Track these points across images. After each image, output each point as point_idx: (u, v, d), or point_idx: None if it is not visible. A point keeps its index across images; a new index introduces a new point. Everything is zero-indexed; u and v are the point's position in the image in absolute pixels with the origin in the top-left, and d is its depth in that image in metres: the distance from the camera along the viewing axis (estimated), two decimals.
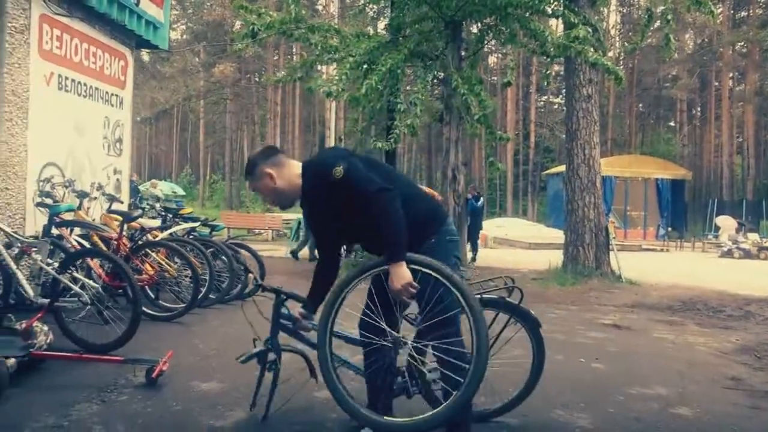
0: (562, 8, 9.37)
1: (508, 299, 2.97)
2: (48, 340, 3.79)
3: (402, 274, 2.49)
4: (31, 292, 4.37)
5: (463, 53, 10.83)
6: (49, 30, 6.17)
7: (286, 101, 38.46)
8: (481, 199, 14.58)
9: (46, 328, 3.86)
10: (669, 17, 10.10)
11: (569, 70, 11.11)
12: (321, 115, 38.08)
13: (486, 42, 11.33)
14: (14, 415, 3.07)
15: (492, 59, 39.40)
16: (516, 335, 3.08)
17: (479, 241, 14.08)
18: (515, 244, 19.35)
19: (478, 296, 2.73)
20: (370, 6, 14.96)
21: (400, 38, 10.95)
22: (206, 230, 7.12)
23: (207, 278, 5.84)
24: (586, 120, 10.63)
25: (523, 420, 3.23)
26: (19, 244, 4.60)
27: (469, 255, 12.38)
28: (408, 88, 12.92)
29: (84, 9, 6.66)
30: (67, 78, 6.50)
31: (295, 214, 20.47)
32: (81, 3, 6.50)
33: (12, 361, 3.39)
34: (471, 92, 9.25)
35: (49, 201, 5.22)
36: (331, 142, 23.26)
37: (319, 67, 14.64)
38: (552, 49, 9.23)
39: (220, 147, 43.60)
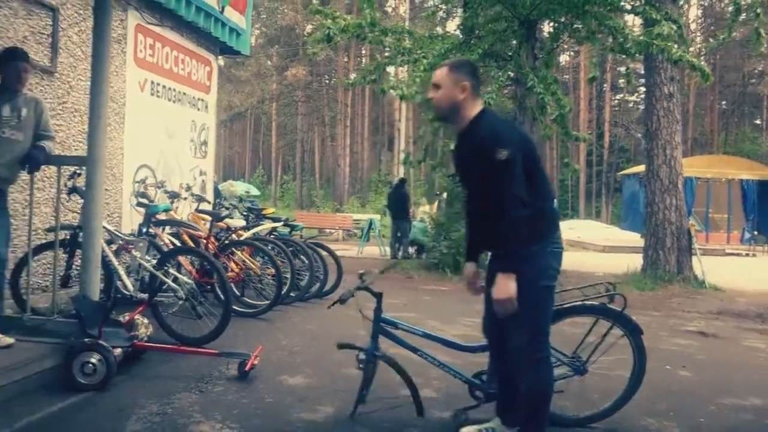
0: (643, 4, 9.09)
1: (609, 305, 2.95)
2: (148, 333, 4.03)
3: (509, 287, 2.49)
4: (131, 287, 4.66)
5: (537, 52, 10.69)
6: (143, 39, 6.53)
7: (356, 103, 38.90)
8: (554, 200, 14.31)
9: (146, 321, 4.10)
10: (758, 10, 9.62)
11: (649, 67, 10.75)
12: (390, 117, 38.31)
13: (561, 40, 11.13)
14: (122, 402, 3.29)
15: (564, 58, 38.54)
16: (606, 340, 3.06)
17: None
18: (588, 247, 18.86)
19: (579, 303, 2.73)
20: (441, 6, 15.00)
21: (473, 39, 10.93)
22: (286, 230, 7.34)
23: (288, 276, 6.02)
24: (667, 119, 10.26)
25: (611, 426, 3.19)
26: (120, 242, 4.90)
27: None
28: (480, 88, 12.81)
29: (174, 18, 7.00)
30: (158, 84, 6.86)
31: (366, 215, 20.75)
32: (172, 12, 6.84)
33: (118, 350, 3.63)
34: (547, 91, 9.12)
35: (145, 201, 5.53)
36: (401, 144, 23.39)
37: (389, 69, 14.77)
38: (632, 47, 8.97)
39: (291, 148, 44.55)
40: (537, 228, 2.59)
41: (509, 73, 10.51)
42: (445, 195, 13.61)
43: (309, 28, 36.88)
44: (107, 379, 3.44)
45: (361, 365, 3.10)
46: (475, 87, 2.70)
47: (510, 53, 10.71)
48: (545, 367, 2.66)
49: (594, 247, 18.60)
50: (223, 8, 7.76)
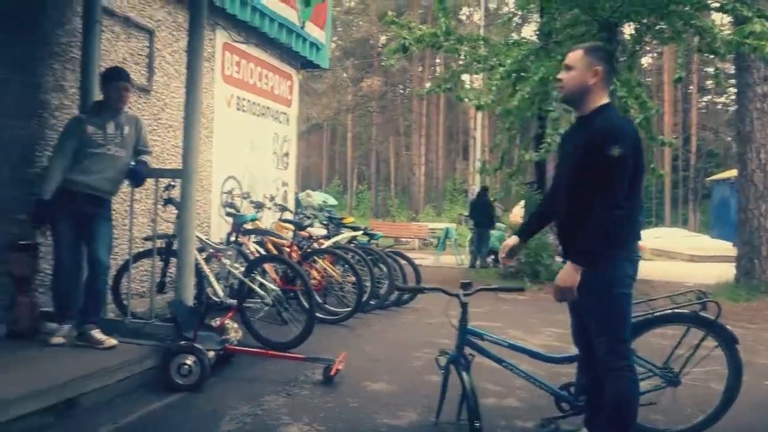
0: (732, 1, 8.66)
1: (702, 313, 2.84)
2: (238, 337, 4.21)
3: (572, 277, 2.50)
4: (221, 293, 4.88)
5: (619, 55, 10.38)
6: (230, 56, 6.85)
7: (431, 112, 38.96)
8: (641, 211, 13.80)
9: (236, 325, 4.28)
10: None
11: (740, 67, 10.21)
12: (465, 125, 38.13)
13: (644, 42, 10.77)
14: (215, 402, 3.45)
15: (646, 60, 37.12)
16: (699, 351, 2.94)
17: None
18: (675, 256, 18.04)
19: (669, 311, 2.65)
20: (516, 12, 14.85)
21: (551, 44, 10.75)
22: (365, 239, 7.46)
23: (368, 284, 6.11)
24: (761, 121, 9.71)
25: None
26: (211, 250, 5.14)
27: None
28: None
29: (258, 35, 7.30)
30: (243, 99, 7.17)
31: (442, 223, 20.70)
32: (256, 30, 7.13)
33: (212, 353, 3.81)
34: (630, 95, 8.84)
35: (232, 211, 5.78)
36: (476, 152, 23.23)
37: (464, 77, 14.74)
38: (721, 47, 8.56)
39: (366, 158, 45.08)
40: (622, 234, 2.55)
41: None
42: (522, 203, 13.41)
43: (384, 39, 37.34)
44: (201, 381, 3.62)
45: (441, 370, 3.11)
46: (608, 75, 2.66)
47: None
48: (628, 377, 2.60)
49: (681, 257, 17.78)
50: (303, 24, 8.02)
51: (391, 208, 36.85)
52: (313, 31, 8.32)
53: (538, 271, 10.86)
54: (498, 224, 14.34)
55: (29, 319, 4.06)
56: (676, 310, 2.80)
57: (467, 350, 3.07)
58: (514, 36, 22.02)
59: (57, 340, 3.85)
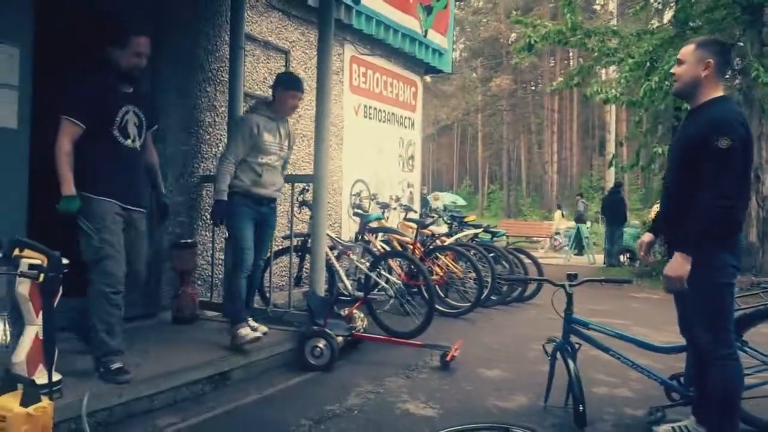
0: None
1: None
2: (364, 325, 4.64)
3: (682, 267, 2.56)
4: (349, 286, 5.35)
5: (764, 38, 9.68)
6: (357, 68, 7.38)
7: (563, 107, 37.86)
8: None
9: (362, 315, 4.72)
10: None
11: None
12: (600, 119, 36.58)
13: None
14: (343, 381, 3.88)
15: None
16: None
17: None
18: None
19: None
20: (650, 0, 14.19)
21: (688, 31, 10.25)
22: (488, 236, 7.66)
23: (489, 280, 6.33)
24: None
25: None
26: (340, 247, 5.65)
27: None
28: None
29: (383, 46, 7.77)
30: (370, 107, 7.67)
31: (573, 222, 20.14)
32: (381, 42, 7.60)
33: (340, 339, 4.26)
34: None
35: (360, 211, 6.26)
36: (611, 147, 22.33)
37: (597, 69, 14.32)
38: None
39: (497, 157, 44.71)
40: (728, 226, 2.61)
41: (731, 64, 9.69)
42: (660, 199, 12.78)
43: (513, 36, 36.88)
44: (331, 362, 4.07)
45: (548, 357, 3.30)
46: (720, 67, 2.70)
47: (731, 42, 9.84)
48: (731, 365, 2.63)
49: None
50: (426, 32, 8.39)
51: (523, 208, 36.29)
52: (435, 38, 8.66)
53: None
54: (633, 223, 13.81)
55: (191, 307, 4.76)
56: None
57: (574, 339, 3.24)
58: (655, 23, 20.86)
59: (254, 335, 3.94)
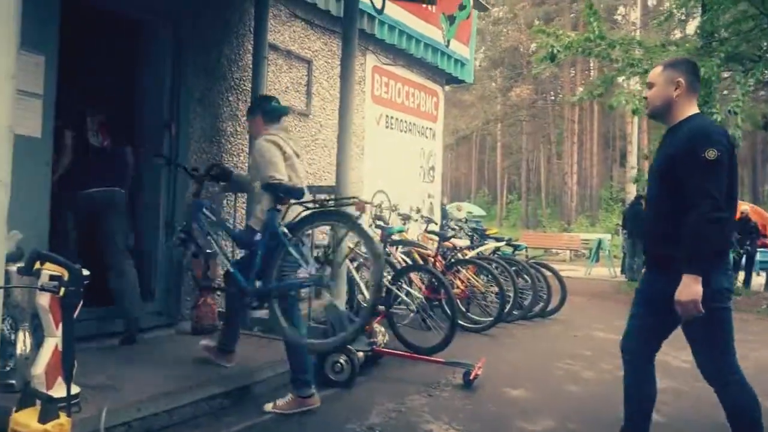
0: None
1: None
2: (385, 340, 4.55)
3: (695, 290, 2.40)
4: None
5: None
6: (378, 78, 7.33)
7: (584, 118, 37.55)
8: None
9: (383, 329, 4.63)
10: None
11: None
12: (621, 130, 36.22)
13: None
14: (363, 399, 3.79)
15: None
16: None
17: None
18: None
19: None
20: (675, 12, 14.01)
21: (714, 42, 10.09)
22: (509, 249, 7.54)
23: (511, 294, 6.21)
24: None
25: None
26: (361, 259, 5.57)
27: None
28: (725, 93, 11.76)
29: (405, 56, 7.72)
30: (391, 117, 7.61)
31: (595, 234, 19.92)
32: (403, 51, 7.56)
33: (361, 354, 4.18)
34: None
35: (381, 223, 6.18)
36: (633, 159, 22.07)
37: (620, 80, 14.15)
38: None
39: (516, 168, 44.43)
40: (724, 239, 2.54)
41: (759, 76, 9.49)
42: None
43: (533, 46, 36.72)
44: (352, 378, 3.98)
45: None
46: (692, 85, 2.66)
47: (759, 54, 9.68)
48: (738, 389, 2.55)
49: None
50: (448, 42, 8.33)
51: (542, 219, 35.99)
52: (457, 47, 8.59)
53: None
54: None
55: (210, 318, 4.71)
56: None
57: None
58: (677, 33, 20.62)
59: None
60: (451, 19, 8.41)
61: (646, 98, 2.78)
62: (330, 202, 3.53)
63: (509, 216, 40.87)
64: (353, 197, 3.56)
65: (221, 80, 5.22)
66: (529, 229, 32.65)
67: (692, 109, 2.67)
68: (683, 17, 27.60)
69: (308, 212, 3.37)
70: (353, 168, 6.64)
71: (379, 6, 6.87)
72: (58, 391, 2.67)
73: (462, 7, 8.59)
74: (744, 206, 14.32)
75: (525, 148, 41.28)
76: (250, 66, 5.29)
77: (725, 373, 2.56)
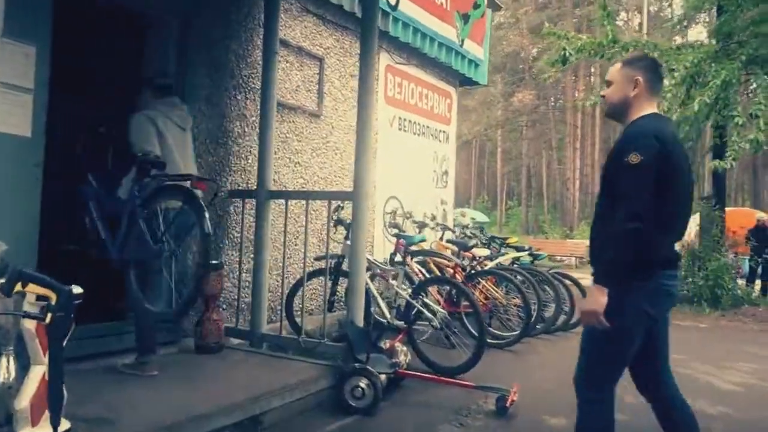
0: None
1: None
2: (407, 360, 4.16)
3: (597, 300, 2.24)
4: (388, 315, 4.88)
5: None
6: (392, 78, 6.96)
7: (585, 123, 37.31)
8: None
9: (405, 348, 4.24)
10: None
11: None
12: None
13: None
14: (389, 428, 3.42)
15: None
16: None
17: None
18: None
19: None
20: (687, 14, 13.74)
21: (732, 44, 9.77)
22: (529, 259, 7.18)
23: (535, 307, 5.84)
24: None
25: None
26: (377, 270, 5.18)
27: None
28: (745, 97, 11.47)
29: (418, 56, 7.35)
30: (404, 119, 7.24)
31: None
32: (416, 51, 7.19)
33: (383, 377, 3.79)
34: None
35: (397, 231, 5.80)
36: None
37: None
38: None
39: (516, 173, 44.15)
40: (641, 252, 2.22)
41: None
42: (696, 219, 12.26)
43: (535, 51, 36.48)
44: (374, 404, 3.60)
45: None
46: (652, 84, 2.46)
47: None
48: (595, 409, 2.39)
49: None
50: (462, 41, 7.97)
51: (543, 225, 35.66)
52: (471, 47, 8.23)
53: (719, 296, 9.84)
54: None
55: (216, 335, 4.32)
56: None
57: None
58: (677, 39, 20.32)
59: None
60: (466, 18, 8.06)
61: (603, 96, 2.57)
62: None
63: (509, 222, 40.56)
64: (189, 174, 3.59)
65: (229, 78, 4.85)
66: (530, 235, 32.31)
67: (650, 109, 2.45)
68: (686, 23, 27.38)
69: (157, 187, 3.44)
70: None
71: (393, 2, 6.55)
72: (44, 428, 2.33)
73: (476, 6, 8.24)
74: (760, 214, 14.01)
75: (526, 154, 40.97)
76: (259, 63, 4.91)
77: (591, 388, 2.40)
